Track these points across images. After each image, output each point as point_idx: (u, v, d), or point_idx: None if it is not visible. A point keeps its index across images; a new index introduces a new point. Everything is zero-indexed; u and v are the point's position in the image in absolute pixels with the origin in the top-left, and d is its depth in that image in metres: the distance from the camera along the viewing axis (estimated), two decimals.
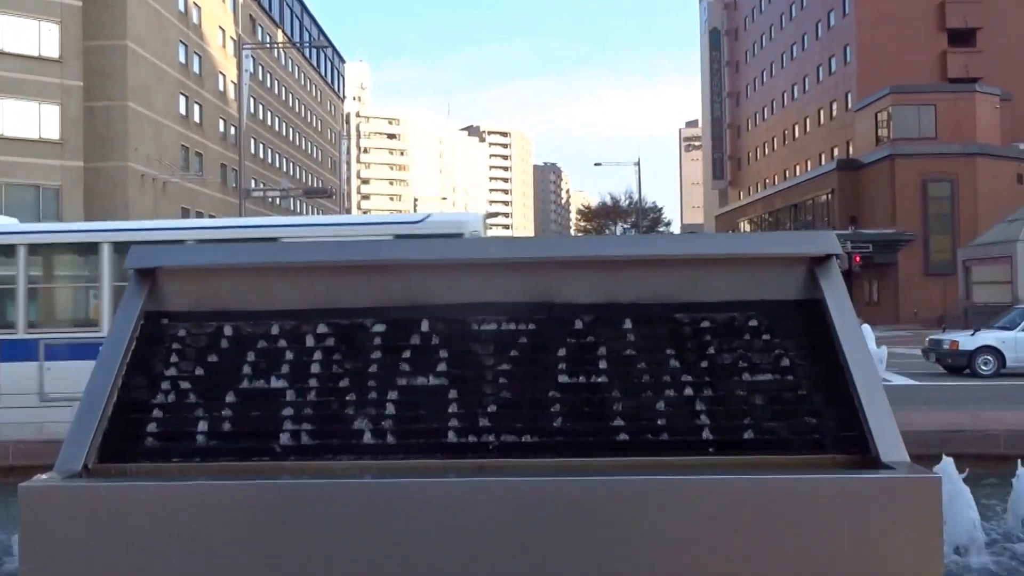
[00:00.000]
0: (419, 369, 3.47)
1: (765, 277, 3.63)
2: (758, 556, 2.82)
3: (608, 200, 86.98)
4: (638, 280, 3.66)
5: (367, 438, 3.30)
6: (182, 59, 51.91)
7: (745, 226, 71.36)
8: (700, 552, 2.83)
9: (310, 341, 3.59)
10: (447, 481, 2.99)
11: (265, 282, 3.70)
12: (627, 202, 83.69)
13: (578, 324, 3.58)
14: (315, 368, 3.51)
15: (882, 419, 3.16)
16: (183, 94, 52.84)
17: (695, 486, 2.88)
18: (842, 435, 3.21)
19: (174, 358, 3.55)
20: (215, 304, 3.69)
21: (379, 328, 3.60)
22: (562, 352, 3.51)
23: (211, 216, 66.53)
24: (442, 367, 3.49)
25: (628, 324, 3.58)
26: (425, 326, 3.59)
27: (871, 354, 3.52)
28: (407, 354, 3.52)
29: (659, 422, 3.29)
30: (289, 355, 3.55)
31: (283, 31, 75.17)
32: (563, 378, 3.43)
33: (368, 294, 3.67)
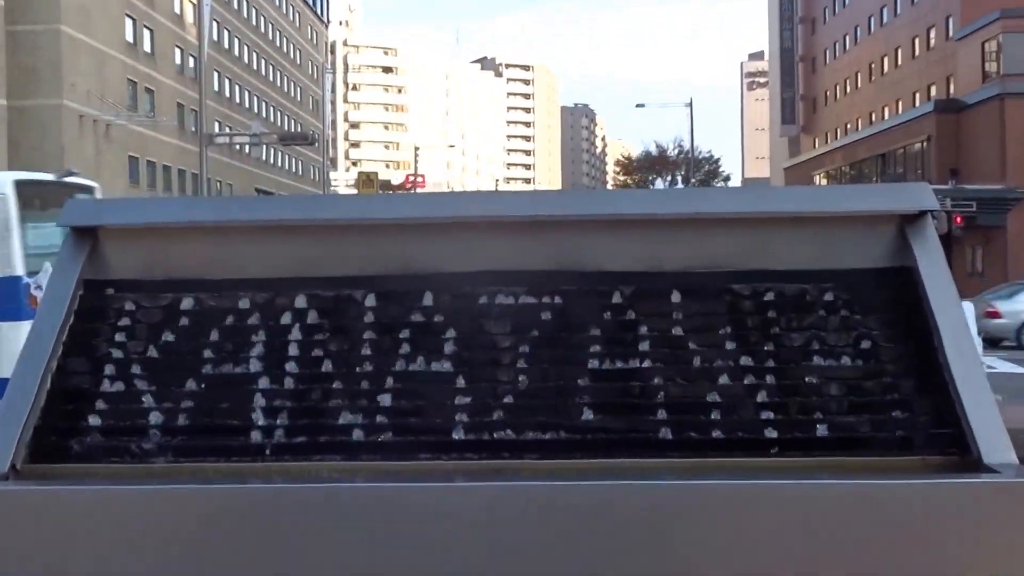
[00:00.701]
0: (421, 351, 3.48)
1: (844, 240, 3.63)
2: None
3: (653, 149, 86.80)
4: (688, 243, 3.65)
5: (357, 435, 3.31)
6: None
7: (821, 181, 71.08)
8: (760, 574, 2.84)
9: (287, 317, 3.60)
10: (455, 487, 2.99)
11: (233, 245, 3.71)
12: (676, 151, 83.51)
13: (615, 297, 3.59)
14: (294, 350, 3.52)
15: (985, 413, 3.13)
16: (130, 16, 52.83)
17: (755, 493, 2.87)
18: (936, 432, 3.20)
19: (121, 337, 3.56)
20: (172, 271, 3.70)
21: (372, 301, 3.62)
22: (595, 331, 3.51)
23: (165, 166, 66.71)
24: (449, 349, 3.49)
25: (676, 297, 3.58)
26: (428, 299, 3.60)
27: (972, 336, 3.53)
28: (406, 333, 3.53)
29: (712, 416, 3.30)
30: (262, 334, 3.56)
31: None
32: (596, 363, 3.44)
33: (359, 260, 3.68)
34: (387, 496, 2.92)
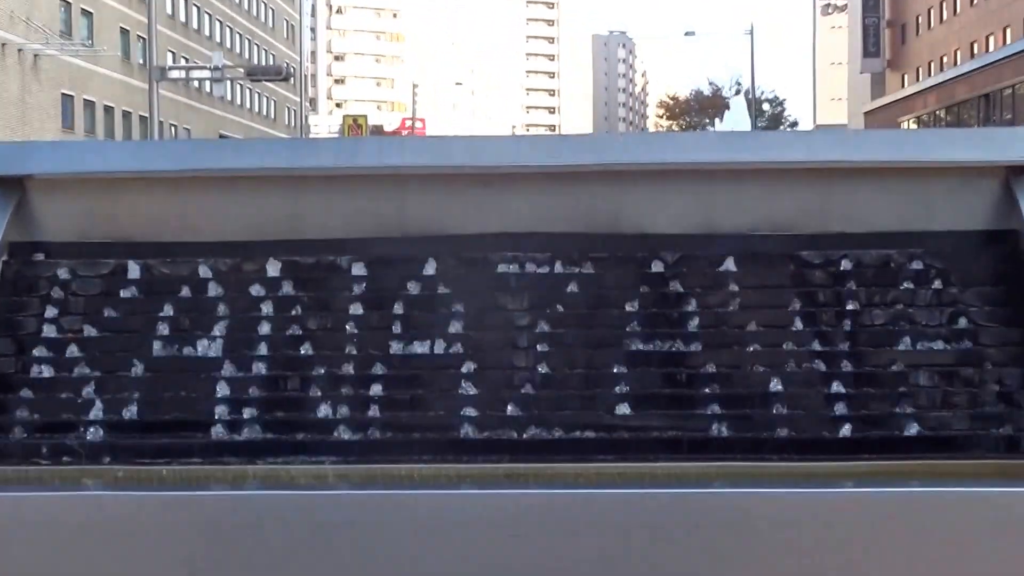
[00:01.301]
0: (420, 331, 3.49)
1: (937, 196, 3.63)
2: None
3: (705, 89, 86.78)
4: (746, 200, 3.66)
5: (342, 432, 3.32)
6: None
7: (909, 127, 70.96)
8: None
9: (257, 288, 3.60)
10: (461, 494, 3.02)
11: (191, 200, 3.72)
12: (733, 91, 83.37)
13: (656, 266, 3.59)
14: (264, 328, 3.53)
15: None
16: None
17: (828, 504, 2.89)
18: None
19: (53, 312, 3.56)
20: (115, 232, 3.71)
21: (360, 269, 3.62)
22: (632, 306, 3.52)
23: (107, 107, 66.67)
24: (455, 328, 3.50)
25: (730, 266, 3.59)
26: (430, 268, 3.61)
27: None
28: (401, 308, 3.54)
29: (775, 411, 3.30)
30: (225, 308, 3.57)
31: None
32: (633, 344, 3.45)
33: (344, 219, 3.69)
34: (378, 506, 2.93)
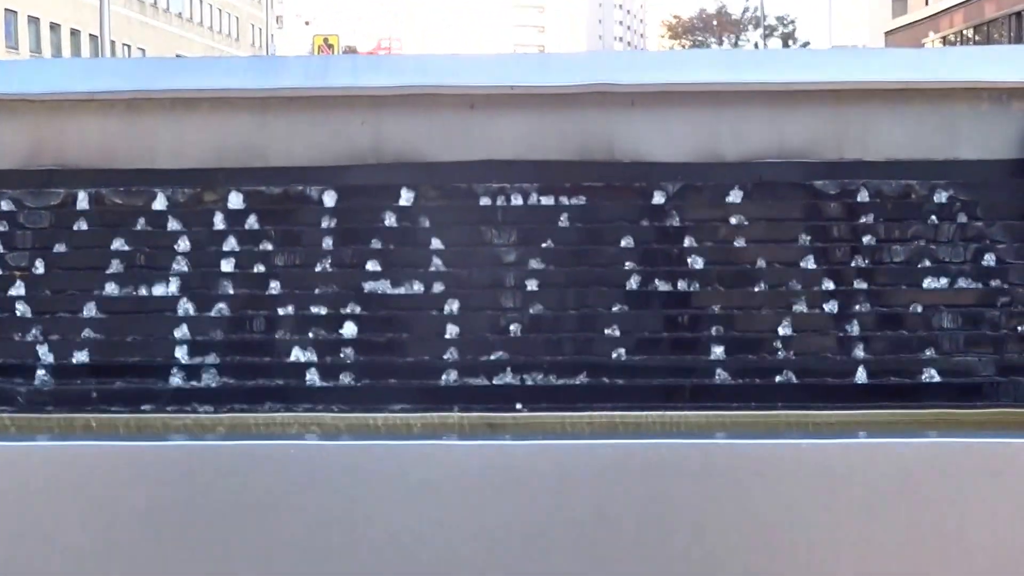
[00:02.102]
0: (396, 268, 3.50)
1: (963, 121, 3.61)
2: (937, 557, 2.89)
3: (710, 8, 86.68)
4: (754, 125, 3.64)
5: (313, 378, 3.35)
6: None
7: (935, 47, 70.67)
8: (842, 549, 2.89)
9: (219, 220, 3.60)
10: (442, 446, 3.05)
11: (146, 124, 3.70)
12: (743, 10, 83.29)
13: (656, 197, 3.58)
14: (226, 265, 3.53)
15: None
16: None
17: (842, 455, 2.93)
18: None
19: None
20: (63, 158, 3.69)
21: (331, 200, 3.62)
22: (627, 242, 3.52)
23: (53, 24, 66.25)
24: (435, 265, 3.51)
25: (736, 196, 3.58)
26: (406, 197, 3.60)
27: None
28: (377, 243, 3.54)
29: (784, 355, 3.33)
30: (184, 243, 3.57)
31: None
32: (630, 282, 3.46)
33: (314, 145, 3.68)
34: (353, 458, 2.97)
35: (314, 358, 3.38)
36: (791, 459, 2.92)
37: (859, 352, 3.32)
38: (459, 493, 2.93)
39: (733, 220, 3.56)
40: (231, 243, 3.57)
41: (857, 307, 3.40)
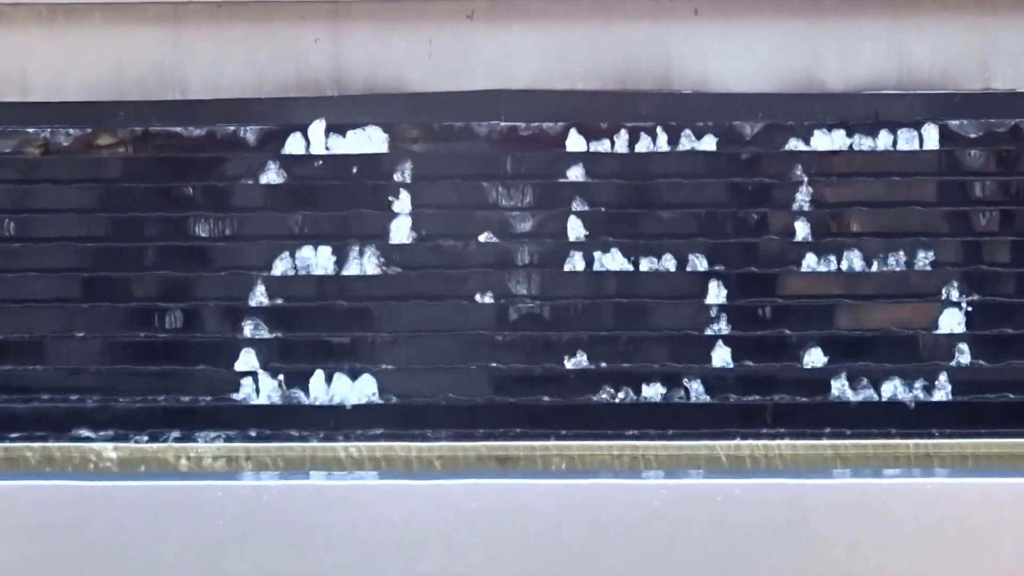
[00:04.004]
0: (363, 241, 3.38)
1: None
2: None
3: None
4: (866, 42, 3.50)
5: (245, 393, 3.30)
6: None
7: None
8: None
9: (116, 172, 3.47)
10: (429, 486, 3.02)
11: (15, 41, 3.58)
12: None
13: (727, 142, 3.44)
14: (128, 234, 3.42)
15: None
16: None
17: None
18: None
19: None
20: None
21: (273, 146, 3.46)
22: (691, 205, 3.41)
23: None
24: (415, 234, 3.37)
25: (840, 141, 3.44)
26: (379, 142, 3.42)
27: None
28: (336, 206, 3.42)
29: (896, 364, 3.30)
30: (69, 201, 3.46)
31: None
32: (693, 263, 3.34)
33: (249, 70, 3.51)
34: (307, 498, 3.03)
35: (245, 365, 3.38)
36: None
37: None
38: (452, 540, 3.03)
39: (835, 174, 3.49)
40: (133, 203, 3.46)
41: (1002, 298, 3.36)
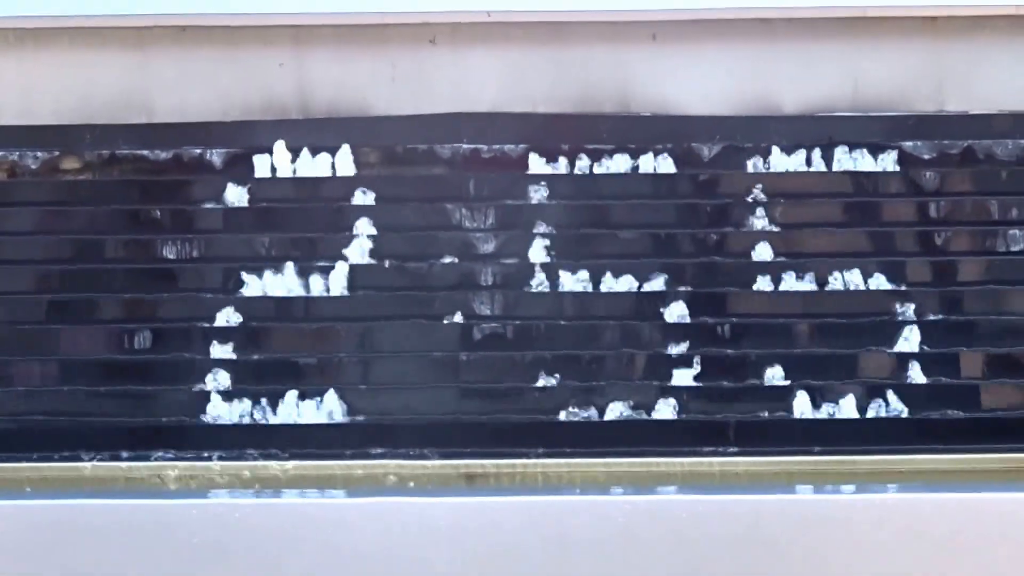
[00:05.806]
0: (327, 263, 3.40)
1: None
2: None
3: None
4: (821, 66, 3.56)
5: (215, 413, 3.30)
6: None
7: None
8: None
9: (85, 194, 3.48)
10: (398, 503, 2.98)
11: None
12: None
13: (685, 163, 3.46)
14: (96, 256, 3.43)
15: None
16: None
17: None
18: None
19: None
20: None
21: (239, 170, 3.49)
22: (649, 225, 3.41)
23: None
24: (379, 255, 3.38)
25: (798, 163, 3.47)
26: (344, 165, 3.46)
27: None
28: (300, 228, 3.44)
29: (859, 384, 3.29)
30: (37, 223, 3.47)
31: None
32: (652, 283, 3.36)
33: (215, 93, 3.56)
34: (289, 519, 2.97)
35: (214, 384, 3.35)
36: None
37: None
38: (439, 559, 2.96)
39: (793, 195, 3.48)
40: (101, 225, 3.48)
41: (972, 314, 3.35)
